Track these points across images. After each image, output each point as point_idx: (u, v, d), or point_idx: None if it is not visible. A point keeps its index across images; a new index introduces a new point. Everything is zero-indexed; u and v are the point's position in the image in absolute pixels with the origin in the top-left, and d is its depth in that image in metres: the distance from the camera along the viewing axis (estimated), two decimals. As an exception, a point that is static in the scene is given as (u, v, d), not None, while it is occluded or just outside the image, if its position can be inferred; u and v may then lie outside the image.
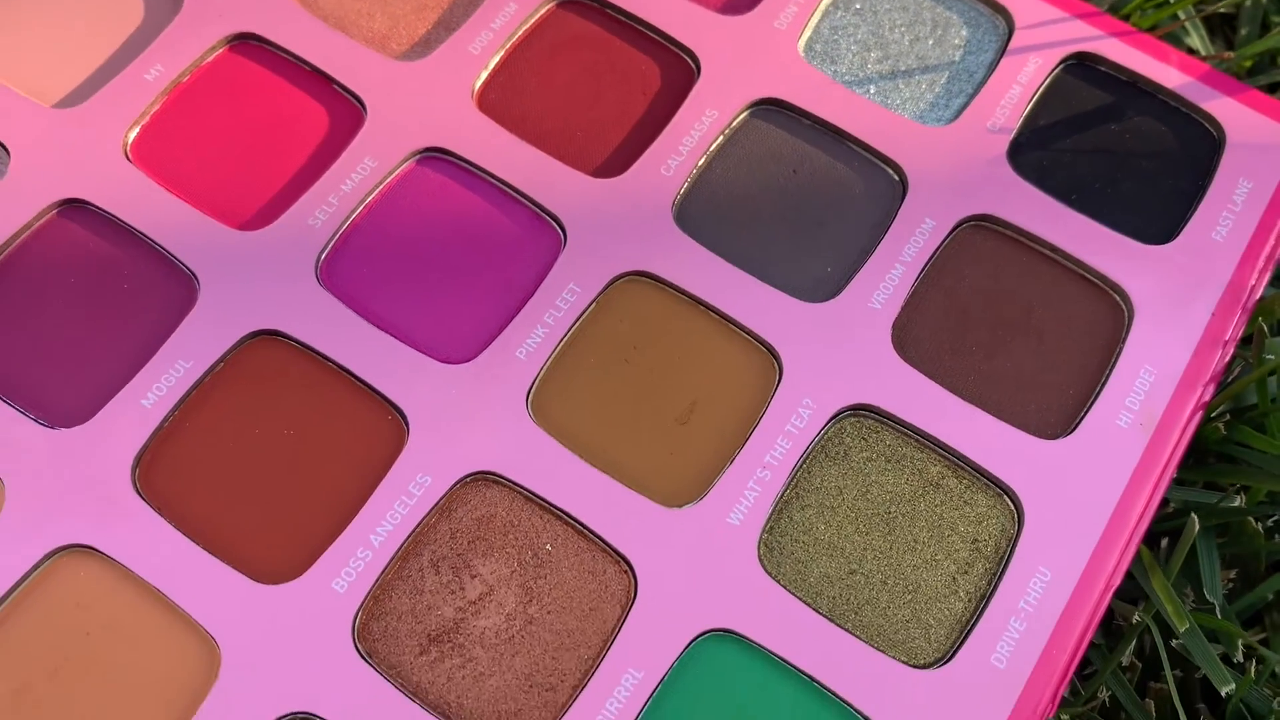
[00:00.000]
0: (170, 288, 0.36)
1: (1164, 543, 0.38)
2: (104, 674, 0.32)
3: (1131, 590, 0.37)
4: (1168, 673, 0.35)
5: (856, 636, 0.33)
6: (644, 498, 0.34)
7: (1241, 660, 0.36)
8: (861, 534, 0.34)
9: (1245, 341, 0.39)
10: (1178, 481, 0.39)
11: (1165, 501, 0.38)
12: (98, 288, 0.36)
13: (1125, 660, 0.37)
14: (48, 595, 0.33)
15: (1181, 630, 0.34)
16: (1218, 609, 0.36)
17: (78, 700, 0.32)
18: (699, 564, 0.33)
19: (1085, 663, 0.37)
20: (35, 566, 0.33)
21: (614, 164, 0.39)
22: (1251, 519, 0.37)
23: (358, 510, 0.34)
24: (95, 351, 0.36)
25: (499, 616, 0.33)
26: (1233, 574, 0.38)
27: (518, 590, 0.33)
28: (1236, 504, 0.37)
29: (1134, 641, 0.36)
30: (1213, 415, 0.38)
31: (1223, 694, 0.34)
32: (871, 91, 0.40)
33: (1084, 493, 0.35)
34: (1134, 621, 0.35)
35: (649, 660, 0.32)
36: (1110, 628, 0.38)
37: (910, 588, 0.34)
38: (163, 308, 0.36)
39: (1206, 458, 0.39)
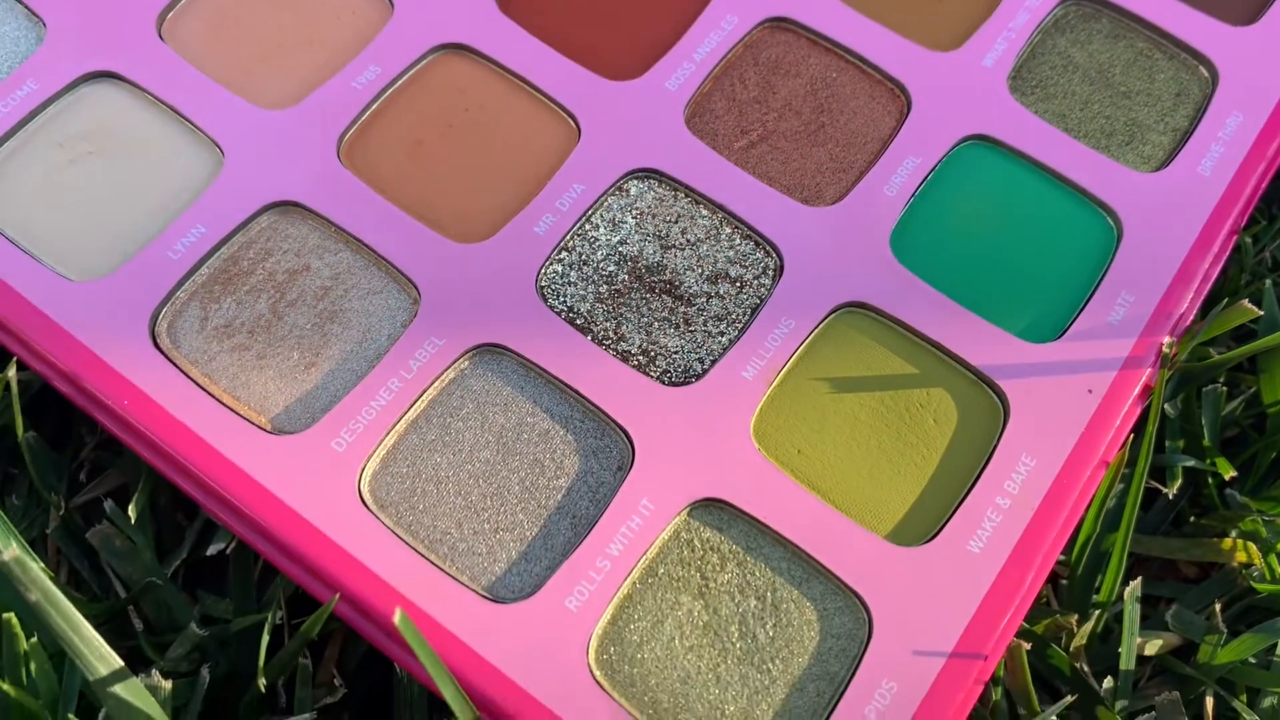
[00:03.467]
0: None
1: None
2: (483, 137, 0.39)
3: None
4: None
5: (1084, 143, 0.40)
6: (912, 42, 0.41)
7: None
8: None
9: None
10: None
11: None
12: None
13: None
14: (433, 80, 0.40)
15: None
16: None
17: (462, 153, 0.39)
18: (959, 90, 0.41)
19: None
20: (421, 58, 0.40)
21: None
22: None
23: (683, 34, 0.41)
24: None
25: (797, 121, 0.40)
26: None
27: (811, 104, 0.40)
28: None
29: None
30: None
31: None
32: None
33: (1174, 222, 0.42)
34: None
35: (924, 151, 0.40)
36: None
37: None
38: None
39: None
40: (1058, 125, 0.41)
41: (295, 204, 0.37)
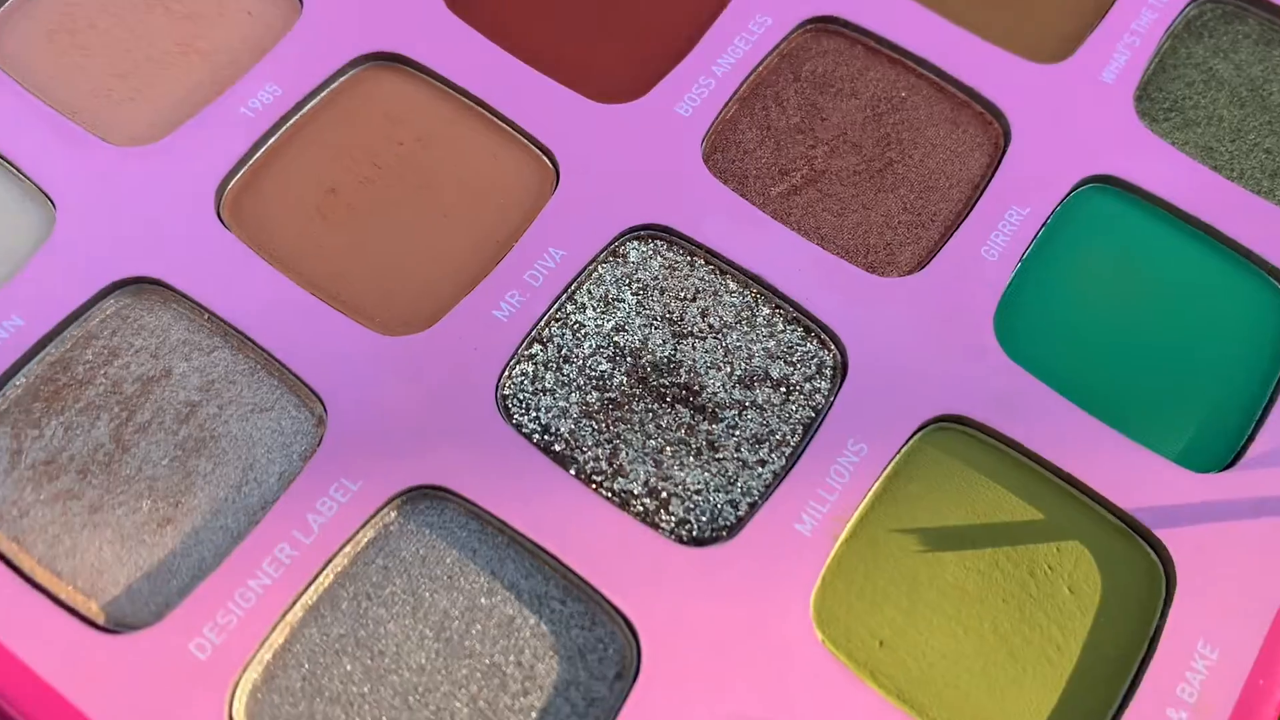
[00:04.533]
0: None
1: None
2: (422, 184, 0.28)
3: None
4: None
5: (1241, 185, 0.30)
6: (1006, 51, 0.31)
7: None
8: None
9: None
10: None
11: None
12: None
13: None
14: (354, 104, 0.29)
15: None
16: None
17: (393, 206, 0.28)
18: (1072, 115, 0.30)
19: None
20: (338, 73, 0.29)
21: None
22: None
23: (698, 40, 0.30)
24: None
25: (856, 158, 0.30)
26: None
27: (873, 135, 0.30)
28: None
29: None
30: None
31: None
32: None
33: None
34: None
35: (1030, 198, 0.29)
36: None
37: None
38: None
39: None
40: (1204, 161, 0.30)
41: (154, 281, 0.26)
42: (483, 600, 0.24)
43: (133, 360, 0.26)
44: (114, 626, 0.23)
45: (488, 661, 0.23)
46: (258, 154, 0.28)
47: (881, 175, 0.29)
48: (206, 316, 0.26)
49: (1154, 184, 0.30)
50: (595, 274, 0.27)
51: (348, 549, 0.24)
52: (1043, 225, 0.29)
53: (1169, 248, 0.29)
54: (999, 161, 0.30)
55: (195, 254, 0.27)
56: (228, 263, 0.27)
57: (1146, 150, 0.30)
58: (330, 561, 0.24)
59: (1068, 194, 0.29)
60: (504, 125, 0.29)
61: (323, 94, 0.29)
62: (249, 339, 0.26)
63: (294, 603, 0.23)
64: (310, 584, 0.23)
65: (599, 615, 0.24)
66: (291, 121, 0.28)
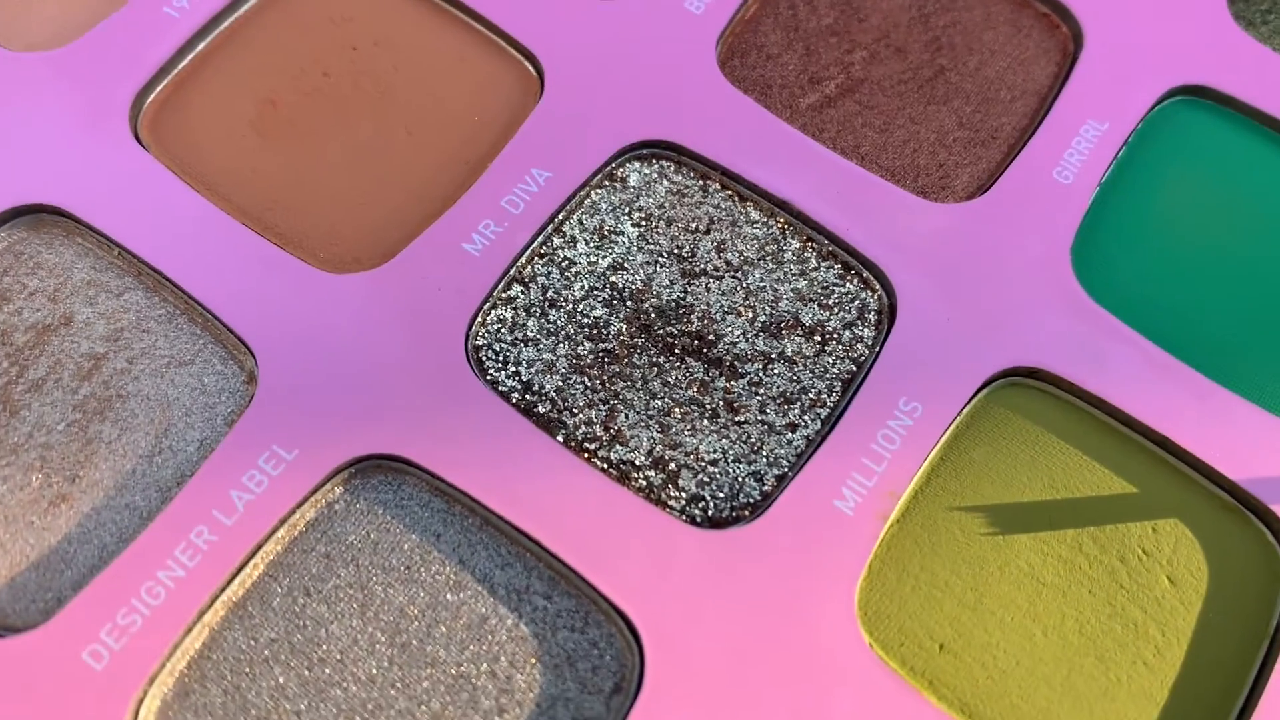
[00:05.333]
0: None
1: None
2: (380, 94, 0.24)
3: None
4: None
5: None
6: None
7: None
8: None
9: None
10: None
11: None
12: None
13: None
14: (299, 2, 0.25)
15: None
16: None
17: (344, 121, 0.23)
18: (1154, 17, 0.26)
19: None
20: (284, -32, 0.25)
21: None
22: None
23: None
24: None
25: (900, 64, 0.25)
26: None
27: (921, 36, 0.25)
28: None
29: None
30: None
31: None
32: None
33: None
34: None
35: (1110, 112, 0.24)
36: None
37: None
38: None
39: None
40: (1310, 73, 0.26)
41: (55, 211, 0.22)
42: (448, 596, 0.19)
43: (26, 305, 0.21)
44: (-8, 629, 0.19)
45: (454, 671, 0.19)
46: (184, 61, 0.23)
47: (931, 85, 0.25)
48: (117, 253, 0.22)
49: (1252, 94, 0.25)
50: (588, 201, 0.23)
51: (281, 533, 0.19)
52: (1124, 143, 0.24)
53: (1270, 167, 0.25)
54: (1069, 70, 0.25)
55: (105, 179, 0.22)
56: (144, 188, 0.22)
57: (1243, 57, 0.25)
58: (260, 548, 0.19)
59: (1152, 107, 0.25)
60: (477, 25, 0.24)
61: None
62: (167, 279, 0.21)
63: (214, 600, 0.19)
64: (234, 576, 0.19)
65: (592, 614, 0.19)
66: (225, 24, 0.24)
